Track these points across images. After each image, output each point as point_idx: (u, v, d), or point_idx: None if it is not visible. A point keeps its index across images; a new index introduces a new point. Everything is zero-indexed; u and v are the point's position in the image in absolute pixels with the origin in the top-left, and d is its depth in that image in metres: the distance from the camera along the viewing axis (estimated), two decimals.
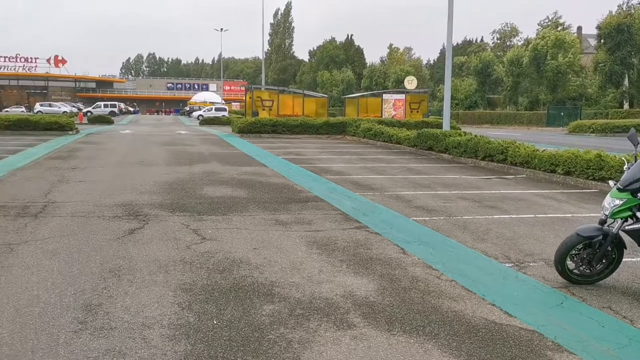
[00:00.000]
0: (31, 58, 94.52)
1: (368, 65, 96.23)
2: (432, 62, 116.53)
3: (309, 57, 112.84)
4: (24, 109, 67.09)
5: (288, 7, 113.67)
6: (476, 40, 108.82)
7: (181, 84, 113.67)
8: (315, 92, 54.60)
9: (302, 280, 5.21)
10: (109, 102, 67.28)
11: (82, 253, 5.92)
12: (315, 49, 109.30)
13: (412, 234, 7.19)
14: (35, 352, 3.60)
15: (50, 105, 61.19)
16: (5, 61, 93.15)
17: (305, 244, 6.58)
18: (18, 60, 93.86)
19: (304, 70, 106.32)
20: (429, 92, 45.54)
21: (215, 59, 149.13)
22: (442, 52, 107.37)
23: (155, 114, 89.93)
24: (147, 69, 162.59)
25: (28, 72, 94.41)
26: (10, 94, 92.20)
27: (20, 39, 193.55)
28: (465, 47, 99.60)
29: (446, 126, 21.01)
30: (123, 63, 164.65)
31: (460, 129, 23.84)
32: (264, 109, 33.79)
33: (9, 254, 5.82)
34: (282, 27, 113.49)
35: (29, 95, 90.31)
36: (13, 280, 4.98)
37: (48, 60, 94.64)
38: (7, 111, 60.29)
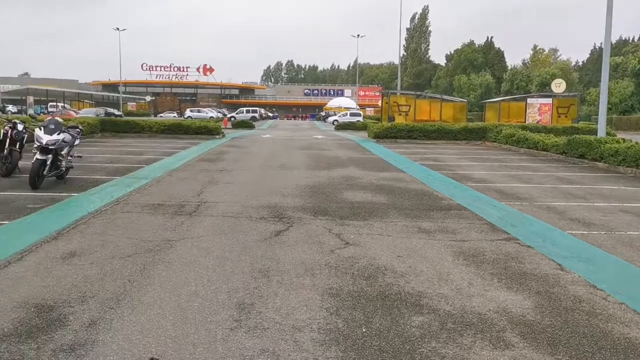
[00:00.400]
0: (183, 67, 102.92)
1: (509, 68, 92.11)
2: (580, 63, 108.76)
3: (445, 61, 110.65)
4: (175, 115, 72.99)
5: (425, 11, 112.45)
6: (633, 39, 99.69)
7: (317, 89, 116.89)
8: (451, 96, 53.26)
9: (451, 293, 4.98)
10: (250, 108, 70.98)
11: (233, 252, 6.17)
12: (452, 52, 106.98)
13: (569, 249, 6.62)
14: (196, 346, 3.76)
15: (199, 111, 66.01)
16: (161, 70, 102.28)
17: (451, 254, 6.32)
18: (172, 69, 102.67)
19: (440, 74, 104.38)
20: (578, 95, 42.37)
21: (351, 64, 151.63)
22: (592, 53, 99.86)
23: (292, 119, 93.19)
24: (286, 75, 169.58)
25: (180, 80, 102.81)
26: (164, 100, 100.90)
27: (173, 49, 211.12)
28: (619, 47, 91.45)
29: (601, 132, 19.35)
30: (264, 70, 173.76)
31: (615, 135, 21.90)
32: (400, 114, 33.57)
33: (168, 250, 6.23)
34: (418, 32, 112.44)
35: (180, 102, 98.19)
36: (174, 276, 5.29)
37: (198, 69, 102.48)
38: (161, 116, 65.94)
